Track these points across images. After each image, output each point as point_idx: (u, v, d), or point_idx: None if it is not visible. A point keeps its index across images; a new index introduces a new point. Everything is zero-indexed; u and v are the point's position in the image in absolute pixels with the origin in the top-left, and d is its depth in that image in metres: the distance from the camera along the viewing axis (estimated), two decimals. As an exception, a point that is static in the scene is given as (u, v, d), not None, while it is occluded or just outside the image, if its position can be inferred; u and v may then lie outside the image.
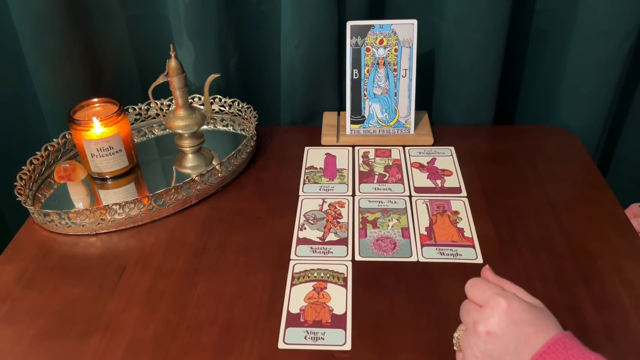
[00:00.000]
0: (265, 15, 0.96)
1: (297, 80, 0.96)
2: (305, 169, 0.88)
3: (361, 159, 0.90)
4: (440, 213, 0.78)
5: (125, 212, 0.76)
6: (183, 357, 0.60)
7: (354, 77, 0.90)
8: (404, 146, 0.92)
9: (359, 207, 0.80)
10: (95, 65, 0.96)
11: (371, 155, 0.91)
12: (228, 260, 0.72)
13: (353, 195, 0.82)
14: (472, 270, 0.68)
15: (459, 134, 0.95)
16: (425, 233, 0.74)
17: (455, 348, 0.55)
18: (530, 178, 0.84)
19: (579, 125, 0.96)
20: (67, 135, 0.90)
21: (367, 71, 0.90)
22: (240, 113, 0.97)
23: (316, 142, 0.94)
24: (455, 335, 0.55)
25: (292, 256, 0.72)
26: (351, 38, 0.88)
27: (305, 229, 0.76)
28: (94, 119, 0.82)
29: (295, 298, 0.66)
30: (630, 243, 0.72)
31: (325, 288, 0.67)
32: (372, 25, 0.87)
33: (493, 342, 0.49)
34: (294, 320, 0.63)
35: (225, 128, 0.99)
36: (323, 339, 0.61)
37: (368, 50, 0.88)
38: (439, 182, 0.84)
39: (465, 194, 0.81)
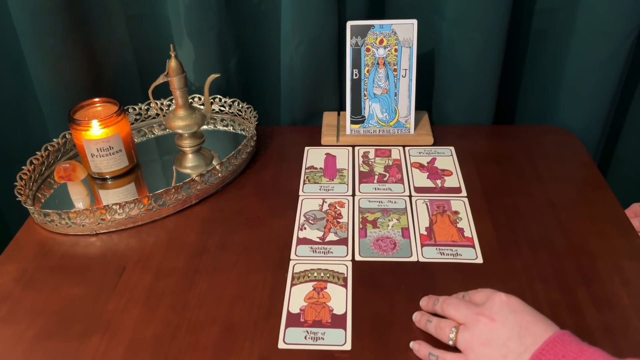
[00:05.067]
0: (265, 15, 0.96)
1: (297, 80, 0.96)
2: (305, 169, 0.88)
3: (361, 159, 0.90)
4: (440, 213, 0.78)
5: (125, 212, 0.76)
6: (183, 357, 0.60)
7: (354, 77, 0.90)
8: (404, 146, 0.92)
9: (359, 207, 0.80)
10: (95, 65, 0.96)
11: (371, 155, 0.91)
12: (228, 260, 0.72)
13: (353, 195, 0.82)
14: (472, 270, 0.68)
15: (459, 134, 0.95)
16: (425, 233, 0.74)
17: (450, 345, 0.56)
18: (530, 178, 0.84)
19: (579, 125, 0.96)
20: (67, 135, 0.90)
21: (367, 71, 0.90)
22: (240, 113, 0.97)
23: (316, 142, 0.94)
24: (451, 335, 0.55)
25: (292, 256, 0.72)
26: (351, 38, 0.88)
27: (305, 229, 0.76)
28: (94, 119, 0.82)
29: (295, 298, 0.66)
30: (630, 243, 0.72)
31: (325, 288, 0.67)
32: (372, 25, 0.87)
33: (498, 328, 0.53)
34: (294, 320, 0.63)
35: (225, 128, 0.99)
36: (323, 339, 0.61)
37: (368, 50, 0.88)
38: (439, 182, 0.84)
39: (465, 194, 0.81)
